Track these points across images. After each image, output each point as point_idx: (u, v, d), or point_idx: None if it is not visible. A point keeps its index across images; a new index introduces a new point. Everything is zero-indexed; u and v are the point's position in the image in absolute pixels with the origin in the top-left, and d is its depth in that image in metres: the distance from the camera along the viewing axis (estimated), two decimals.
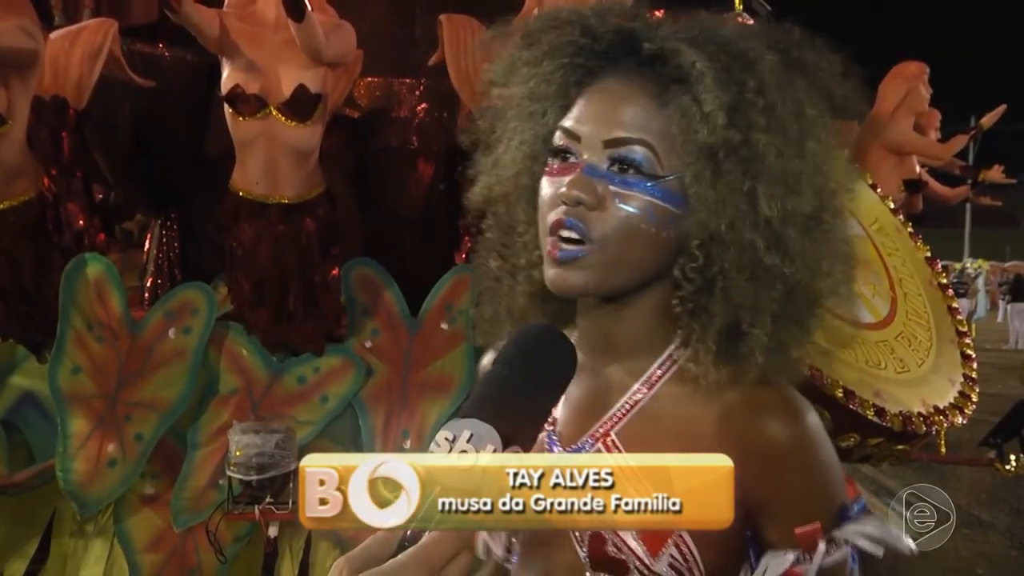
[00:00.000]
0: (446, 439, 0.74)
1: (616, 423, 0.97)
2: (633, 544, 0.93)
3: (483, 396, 0.79)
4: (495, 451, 0.74)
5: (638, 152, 0.91)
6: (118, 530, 3.01)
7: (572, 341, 0.93)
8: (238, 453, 2.78)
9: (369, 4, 3.90)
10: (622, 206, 0.90)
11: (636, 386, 0.97)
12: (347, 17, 3.19)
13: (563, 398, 1.01)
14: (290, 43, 2.97)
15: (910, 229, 3.15)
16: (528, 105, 0.98)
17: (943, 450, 6.16)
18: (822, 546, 0.88)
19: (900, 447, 2.35)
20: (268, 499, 2.80)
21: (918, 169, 5.74)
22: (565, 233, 0.91)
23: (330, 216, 3.21)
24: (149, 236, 4.13)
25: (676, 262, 0.94)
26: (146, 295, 3.89)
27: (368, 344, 3.22)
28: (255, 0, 3.13)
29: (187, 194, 3.87)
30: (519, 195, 1.01)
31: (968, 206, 10.69)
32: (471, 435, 0.74)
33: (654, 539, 0.92)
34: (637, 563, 0.93)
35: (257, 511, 2.79)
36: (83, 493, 2.90)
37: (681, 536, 0.92)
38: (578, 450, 0.98)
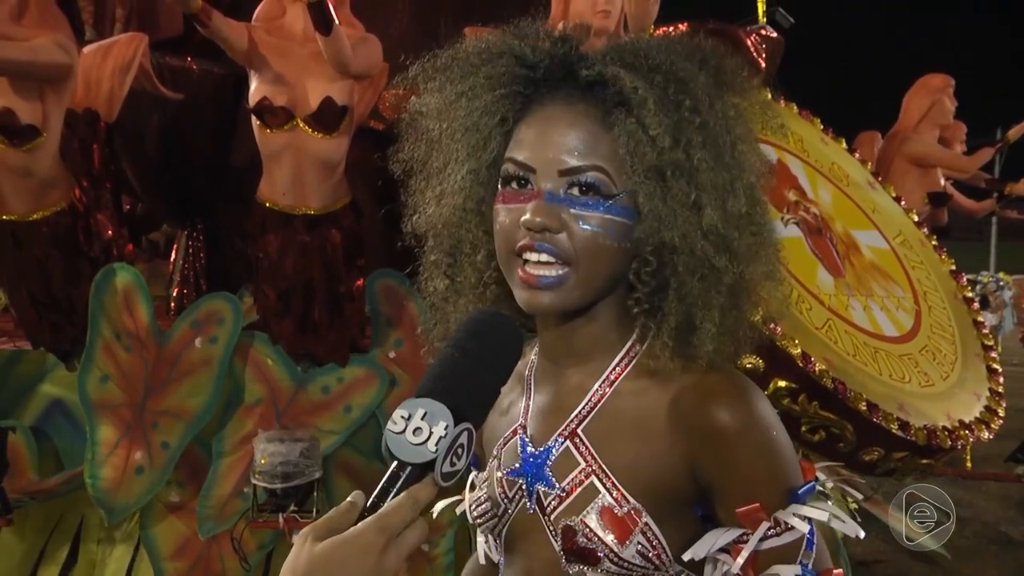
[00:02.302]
0: (402, 417, 0.79)
1: (582, 421, 1.03)
2: (602, 534, 0.98)
3: (436, 377, 0.84)
4: (447, 427, 0.78)
5: (593, 176, 0.97)
6: (144, 537, 3.04)
7: (534, 348, 1.06)
8: (263, 461, 2.80)
9: (395, 17, 3.94)
10: (585, 227, 0.96)
11: (597, 385, 1.04)
12: (373, 30, 3.22)
13: (531, 403, 1.10)
14: (317, 56, 3.01)
15: (935, 242, 3.13)
16: (471, 135, 1.03)
17: (969, 465, 6.10)
18: (763, 526, 0.93)
19: (925, 461, 2.33)
20: (292, 507, 2.82)
21: (943, 182, 5.71)
22: (534, 256, 0.97)
23: (355, 227, 3.24)
24: (175, 246, 4.18)
25: (630, 268, 1.00)
26: (172, 305, 3.93)
27: (392, 354, 3.25)
28: (283, 13, 3.17)
29: (213, 205, 3.92)
30: (465, 218, 1.06)
31: (994, 219, 10.59)
32: (425, 413, 0.79)
33: (622, 528, 0.98)
34: (607, 551, 0.98)
35: (281, 519, 2.80)
36: (111, 500, 2.94)
37: (648, 524, 0.97)
38: (548, 448, 1.04)
